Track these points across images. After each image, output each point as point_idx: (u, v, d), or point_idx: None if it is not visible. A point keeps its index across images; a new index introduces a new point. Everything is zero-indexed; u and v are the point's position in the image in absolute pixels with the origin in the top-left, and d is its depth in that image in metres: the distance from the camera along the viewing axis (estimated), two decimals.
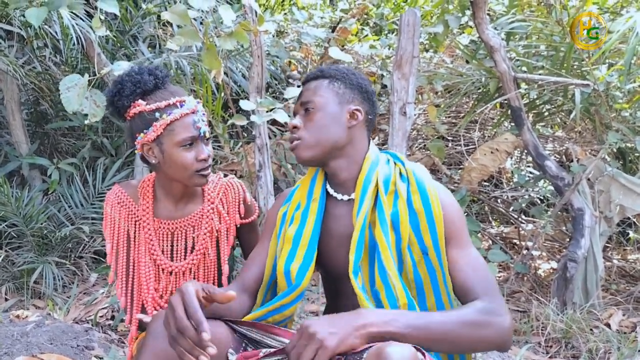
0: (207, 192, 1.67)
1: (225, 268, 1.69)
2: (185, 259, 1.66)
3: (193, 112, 1.55)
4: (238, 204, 1.69)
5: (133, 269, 1.62)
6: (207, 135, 1.57)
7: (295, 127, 1.47)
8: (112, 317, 2.83)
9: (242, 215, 1.70)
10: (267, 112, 2.39)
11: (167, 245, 1.64)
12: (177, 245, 1.65)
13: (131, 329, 1.64)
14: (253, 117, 2.41)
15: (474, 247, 1.42)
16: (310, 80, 1.52)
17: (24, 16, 1.95)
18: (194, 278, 1.66)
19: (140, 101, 1.54)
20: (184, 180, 1.57)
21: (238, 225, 1.70)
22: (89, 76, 2.02)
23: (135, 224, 1.62)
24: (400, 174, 1.46)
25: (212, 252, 1.67)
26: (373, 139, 3.88)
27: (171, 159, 1.53)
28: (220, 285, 1.70)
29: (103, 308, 2.89)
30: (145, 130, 1.53)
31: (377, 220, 1.40)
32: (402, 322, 1.21)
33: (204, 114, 1.58)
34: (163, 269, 1.63)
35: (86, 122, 1.94)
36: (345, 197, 1.48)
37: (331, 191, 1.51)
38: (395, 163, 1.49)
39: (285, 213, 1.52)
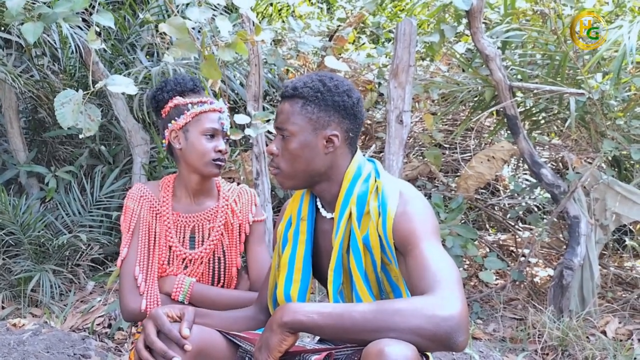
0: (222, 192, 1.84)
1: (239, 260, 1.84)
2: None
3: (220, 111, 1.78)
4: (250, 204, 1.86)
5: (153, 251, 1.76)
6: (228, 134, 1.79)
7: (272, 153, 1.43)
8: (109, 326, 2.83)
9: (254, 215, 1.86)
10: (263, 122, 2.43)
11: (184, 236, 1.78)
12: (196, 237, 1.79)
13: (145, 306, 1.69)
14: (248, 131, 2.45)
15: (429, 242, 1.29)
16: (285, 99, 1.42)
17: (22, 23, 1.94)
18: (211, 268, 1.80)
19: (178, 97, 1.77)
20: (201, 167, 1.73)
21: (250, 224, 1.84)
22: (88, 85, 2.03)
23: (155, 216, 1.77)
24: (377, 191, 1.38)
25: (227, 243, 1.82)
26: (369, 147, 3.92)
27: (193, 145, 1.72)
28: (230, 278, 1.84)
29: (100, 316, 2.88)
30: (176, 118, 1.75)
31: (350, 246, 1.37)
32: (311, 310, 1.18)
33: (228, 117, 1.80)
34: (177, 256, 1.77)
35: (81, 136, 1.95)
36: (330, 215, 1.45)
37: (320, 206, 1.49)
38: (376, 179, 1.41)
39: (283, 232, 1.52)
